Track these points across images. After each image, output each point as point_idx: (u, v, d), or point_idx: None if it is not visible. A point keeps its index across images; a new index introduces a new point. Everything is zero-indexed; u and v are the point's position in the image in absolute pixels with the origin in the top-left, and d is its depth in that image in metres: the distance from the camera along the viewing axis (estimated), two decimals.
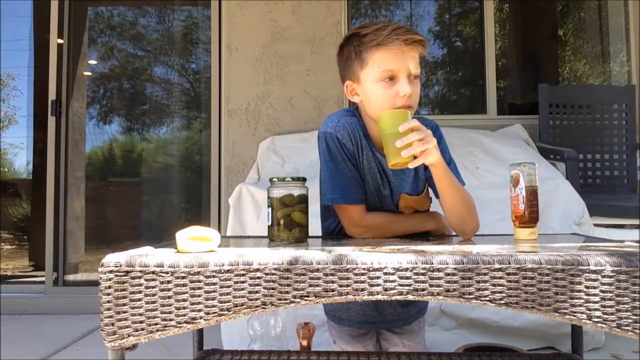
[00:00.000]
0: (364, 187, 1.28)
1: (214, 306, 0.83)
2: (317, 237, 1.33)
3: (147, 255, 0.88)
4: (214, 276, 0.84)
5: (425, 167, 1.33)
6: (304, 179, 1.21)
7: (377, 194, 1.29)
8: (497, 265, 0.82)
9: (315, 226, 1.32)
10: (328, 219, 1.37)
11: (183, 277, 0.84)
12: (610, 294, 0.81)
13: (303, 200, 1.19)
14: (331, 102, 3.11)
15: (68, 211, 3.27)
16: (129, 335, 0.83)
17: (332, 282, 0.83)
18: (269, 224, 1.19)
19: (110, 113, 3.58)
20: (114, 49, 3.59)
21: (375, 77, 1.19)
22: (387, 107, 1.18)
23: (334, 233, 1.36)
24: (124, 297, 0.83)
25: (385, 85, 1.18)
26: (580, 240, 1.23)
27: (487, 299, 0.82)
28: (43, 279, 3.19)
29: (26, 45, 3.76)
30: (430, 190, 1.36)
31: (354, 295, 0.83)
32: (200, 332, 1.38)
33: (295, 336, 1.64)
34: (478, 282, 0.82)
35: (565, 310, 0.81)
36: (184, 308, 0.84)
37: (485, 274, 0.82)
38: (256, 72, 3.17)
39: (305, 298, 0.83)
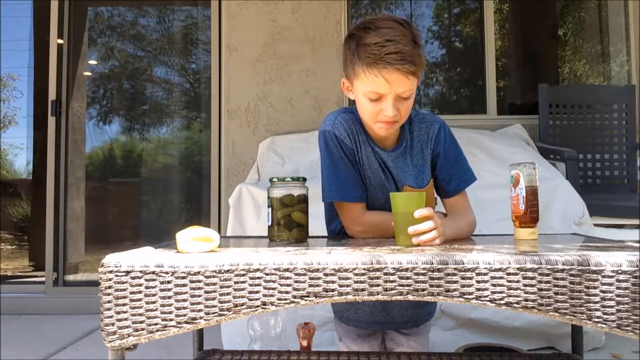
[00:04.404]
0: (364, 184, 1.28)
1: (214, 306, 0.83)
2: (317, 237, 1.33)
3: (147, 256, 0.88)
4: (214, 276, 0.84)
5: (432, 167, 1.33)
6: (304, 179, 1.21)
7: (382, 188, 1.29)
8: (497, 265, 0.82)
9: (315, 226, 1.31)
10: (334, 221, 1.37)
11: (183, 278, 0.84)
12: (610, 294, 0.81)
13: (303, 200, 1.19)
14: (331, 102, 3.11)
15: (68, 211, 3.27)
16: (129, 336, 0.83)
17: (332, 282, 0.83)
18: (269, 224, 1.19)
19: (110, 113, 3.58)
20: (114, 49, 3.59)
21: (363, 91, 1.19)
22: (370, 121, 1.21)
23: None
24: (124, 297, 0.83)
25: (372, 102, 1.19)
26: (580, 240, 1.22)
27: (487, 299, 0.82)
28: (43, 279, 3.19)
29: (26, 45, 3.75)
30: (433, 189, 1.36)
31: (353, 296, 0.83)
32: (200, 332, 1.38)
33: (295, 336, 1.64)
34: (478, 282, 0.82)
35: (565, 310, 0.81)
36: (184, 308, 0.83)
37: (485, 274, 0.82)
38: (256, 72, 3.17)
39: (305, 298, 0.83)
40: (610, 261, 0.81)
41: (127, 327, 0.83)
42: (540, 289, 0.81)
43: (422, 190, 1.29)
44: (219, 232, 2.38)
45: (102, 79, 3.59)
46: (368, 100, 1.19)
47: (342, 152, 1.25)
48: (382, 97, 1.17)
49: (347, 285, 0.83)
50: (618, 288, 0.80)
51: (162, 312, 0.83)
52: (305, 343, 1.60)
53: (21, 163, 4.10)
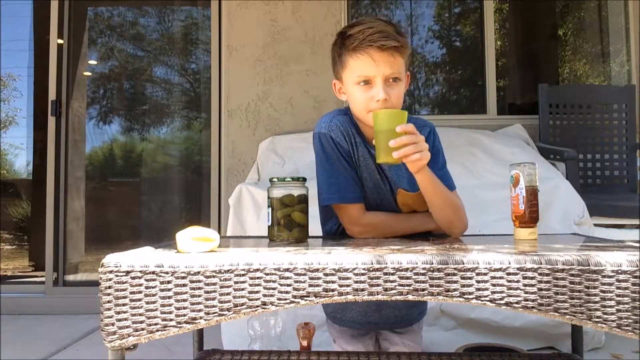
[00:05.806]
0: (362, 185, 1.28)
1: (214, 306, 0.83)
2: (317, 237, 1.33)
3: (147, 256, 0.88)
4: (214, 276, 0.84)
5: None
6: (304, 179, 1.21)
7: (377, 190, 1.29)
8: (497, 265, 0.82)
9: (315, 226, 1.32)
10: (329, 222, 1.37)
11: (183, 278, 0.84)
12: (610, 294, 0.81)
13: (303, 200, 1.19)
14: (331, 102, 3.11)
15: (68, 211, 3.27)
16: (129, 336, 0.83)
17: (332, 282, 0.83)
18: (269, 224, 1.19)
19: (110, 113, 3.58)
20: (114, 49, 3.59)
21: (352, 80, 1.22)
22: (364, 110, 1.22)
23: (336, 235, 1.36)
24: (124, 297, 0.83)
25: (362, 89, 1.21)
26: (580, 240, 1.22)
27: (487, 299, 0.82)
28: (43, 279, 3.18)
29: (26, 45, 3.75)
30: None
31: (354, 295, 0.83)
32: (200, 332, 1.38)
33: (295, 336, 1.64)
34: (478, 282, 0.82)
35: (565, 310, 0.81)
36: (184, 308, 0.83)
37: (485, 274, 0.82)
38: (256, 72, 3.17)
39: (305, 298, 0.83)
40: (610, 261, 0.81)
41: (127, 327, 0.83)
42: (540, 289, 0.81)
43: (416, 194, 1.29)
44: (219, 232, 2.38)
45: (102, 79, 3.59)
46: (359, 89, 1.21)
47: (338, 154, 1.25)
48: (371, 81, 1.20)
49: (347, 285, 0.83)
50: (618, 288, 0.80)
51: (162, 312, 0.83)
52: (305, 343, 1.60)
53: (21, 163, 4.10)
